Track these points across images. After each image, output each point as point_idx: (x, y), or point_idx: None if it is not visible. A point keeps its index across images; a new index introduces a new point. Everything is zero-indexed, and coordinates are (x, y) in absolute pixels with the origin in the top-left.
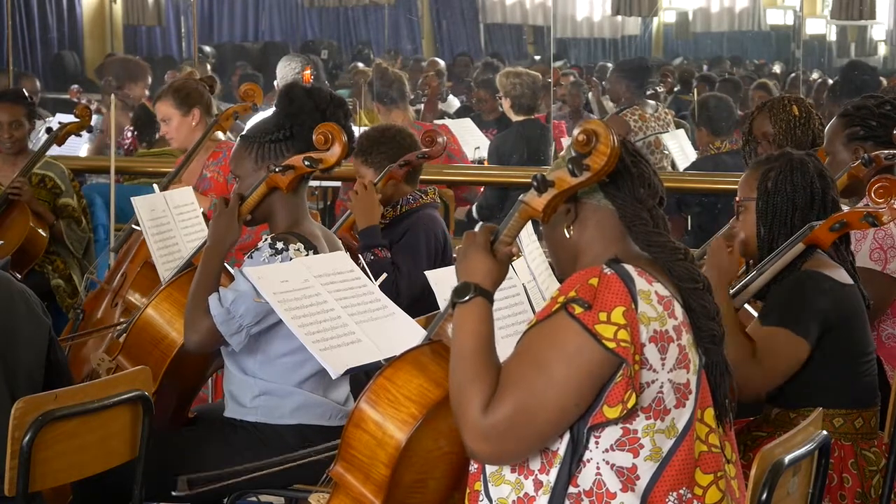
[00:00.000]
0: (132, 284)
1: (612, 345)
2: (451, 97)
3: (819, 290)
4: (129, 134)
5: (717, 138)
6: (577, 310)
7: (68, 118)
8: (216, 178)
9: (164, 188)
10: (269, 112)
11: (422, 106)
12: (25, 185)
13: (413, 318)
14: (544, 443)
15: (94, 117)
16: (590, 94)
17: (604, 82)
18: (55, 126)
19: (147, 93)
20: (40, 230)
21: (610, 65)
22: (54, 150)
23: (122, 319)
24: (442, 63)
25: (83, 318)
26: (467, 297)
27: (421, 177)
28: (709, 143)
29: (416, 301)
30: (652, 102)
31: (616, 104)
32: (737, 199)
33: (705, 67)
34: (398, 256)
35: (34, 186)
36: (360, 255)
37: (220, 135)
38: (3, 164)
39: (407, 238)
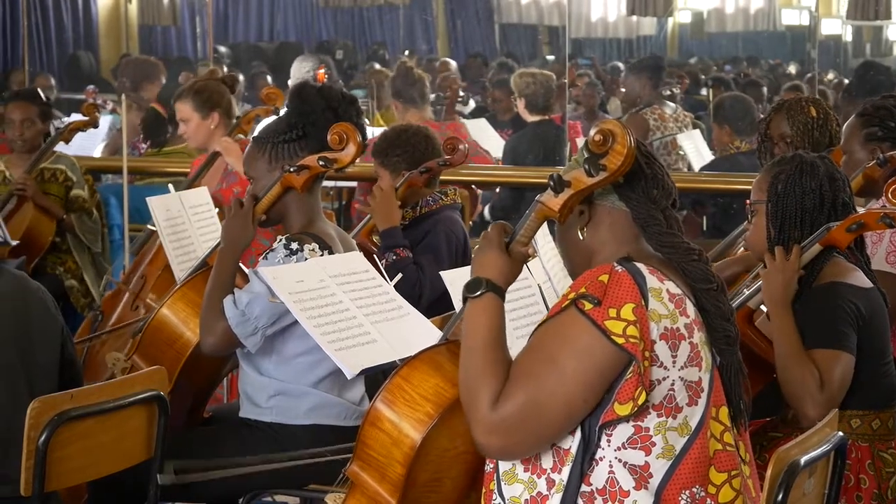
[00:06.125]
0: (153, 288)
1: (621, 340)
2: (470, 100)
3: (844, 299)
4: (142, 143)
5: (738, 137)
6: (587, 306)
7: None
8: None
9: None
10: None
11: (439, 106)
12: (30, 182)
13: (431, 318)
14: (553, 438)
15: (110, 117)
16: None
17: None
18: None
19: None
20: (43, 221)
21: (621, 65)
22: (70, 152)
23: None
24: (454, 63)
25: (102, 318)
26: (479, 293)
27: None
28: (728, 143)
29: (437, 302)
30: (671, 104)
31: (631, 104)
32: (748, 201)
33: (727, 67)
34: (420, 257)
35: (46, 182)
36: (376, 258)
37: (241, 136)
38: (17, 162)
39: (428, 240)
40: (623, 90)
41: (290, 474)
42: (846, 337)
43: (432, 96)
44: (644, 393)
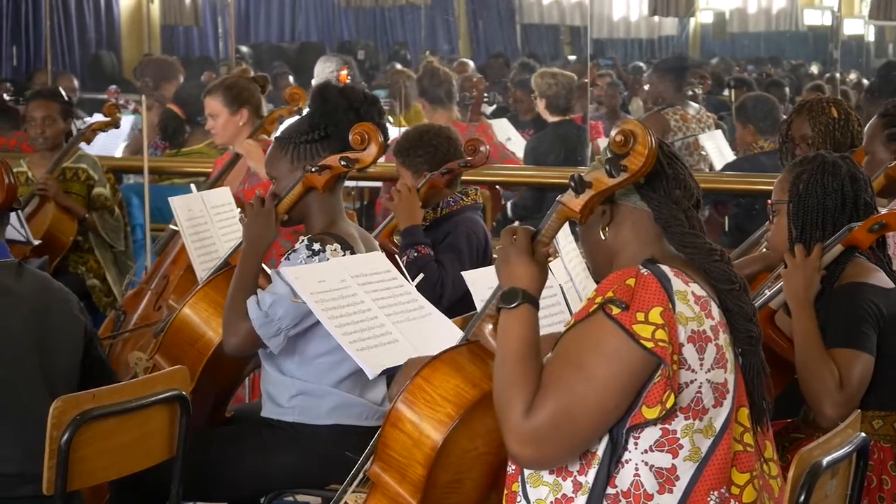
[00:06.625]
0: (176, 289)
1: (650, 345)
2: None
3: (865, 300)
4: (160, 142)
5: (762, 137)
6: (615, 310)
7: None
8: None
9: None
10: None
11: (464, 107)
12: (51, 181)
13: (452, 318)
14: (585, 445)
15: (132, 117)
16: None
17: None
18: None
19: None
20: (65, 221)
21: (643, 65)
22: (92, 152)
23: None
24: (472, 64)
25: (124, 318)
26: (515, 304)
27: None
28: (752, 143)
29: (458, 302)
30: (695, 104)
31: (655, 105)
32: (769, 201)
33: (749, 67)
34: (442, 257)
35: (68, 181)
36: (398, 258)
37: (264, 137)
38: (40, 162)
39: (449, 240)
40: (647, 88)
41: (312, 473)
42: (866, 337)
43: (458, 97)
44: (673, 396)
